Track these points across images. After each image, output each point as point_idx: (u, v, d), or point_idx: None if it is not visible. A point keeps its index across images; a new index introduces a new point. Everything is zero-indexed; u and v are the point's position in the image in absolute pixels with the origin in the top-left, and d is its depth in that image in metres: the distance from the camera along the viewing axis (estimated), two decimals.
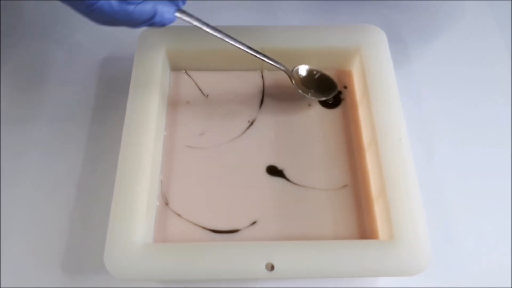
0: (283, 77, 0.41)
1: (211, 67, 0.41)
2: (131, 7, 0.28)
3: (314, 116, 0.39)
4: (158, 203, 0.35)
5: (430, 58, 0.46)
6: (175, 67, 0.41)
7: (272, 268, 0.29)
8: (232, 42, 0.34)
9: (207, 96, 0.40)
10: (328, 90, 0.39)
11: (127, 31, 0.46)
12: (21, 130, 0.41)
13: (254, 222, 0.34)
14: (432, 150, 0.41)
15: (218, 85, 0.41)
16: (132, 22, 0.29)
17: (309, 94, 0.39)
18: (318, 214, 0.34)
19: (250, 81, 0.41)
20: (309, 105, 0.40)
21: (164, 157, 0.37)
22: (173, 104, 0.40)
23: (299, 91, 0.38)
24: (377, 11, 0.50)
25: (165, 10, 0.30)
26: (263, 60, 0.37)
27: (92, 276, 0.35)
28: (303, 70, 0.40)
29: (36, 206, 0.37)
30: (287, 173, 0.36)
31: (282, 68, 0.38)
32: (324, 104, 0.40)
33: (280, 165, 0.37)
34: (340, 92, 0.40)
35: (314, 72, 0.40)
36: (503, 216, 0.38)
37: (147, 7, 0.28)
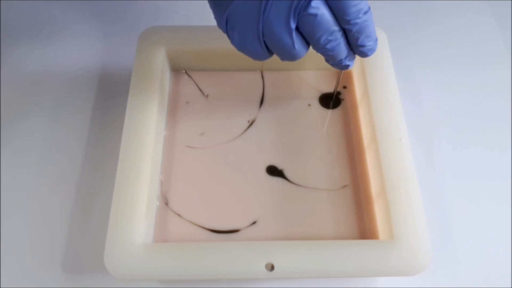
0: (283, 77, 0.41)
1: (211, 67, 0.41)
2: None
3: (314, 116, 0.39)
4: (158, 203, 0.35)
5: (430, 58, 0.46)
6: (175, 67, 0.41)
7: (272, 268, 0.29)
8: None
9: (207, 96, 0.40)
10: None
11: (127, 31, 0.47)
12: (21, 130, 0.41)
13: (254, 222, 0.34)
14: (432, 150, 0.41)
15: (218, 85, 0.41)
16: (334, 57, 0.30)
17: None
18: (318, 214, 0.34)
19: (250, 81, 0.41)
20: (309, 105, 0.40)
21: (164, 157, 0.37)
22: (173, 104, 0.40)
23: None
24: (377, 11, 0.50)
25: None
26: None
27: (92, 276, 0.35)
28: None
29: (36, 206, 0.37)
30: (287, 173, 0.36)
31: None
32: (324, 104, 0.40)
33: (280, 165, 0.37)
34: (339, 93, 0.40)
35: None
36: (503, 216, 0.38)
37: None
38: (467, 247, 0.36)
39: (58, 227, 0.36)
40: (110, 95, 0.43)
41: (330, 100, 0.40)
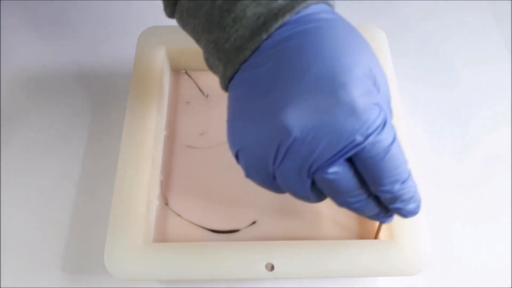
0: None
1: None
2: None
3: None
4: (158, 203, 0.35)
5: (430, 58, 0.46)
6: (175, 67, 0.41)
7: (272, 268, 0.29)
8: None
9: (207, 96, 0.40)
10: None
11: (127, 31, 0.47)
12: (21, 130, 0.41)
13: (254, 222, 0.34)
14: (432, 150, 0.41)
15: (218, 85, 0.40)
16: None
17: None
18: (318, 213, 0.34)
19: None
20: None
21: (164, 157, 0.37)
22: (173, 104, 0.40)
23: None
24: (377, 11, 0.50)
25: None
26: None
27: (92, 276, 0.35)
28: None
29: (36, 206, 0.37)
30: None
31: None
32: None
33: None
34: None
35: None
36: (503, 216, 0.38)
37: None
38: (467, 247, 0.36)
39: (58, 227, 0.36)
40: (110, 95, 0.43)
41: None
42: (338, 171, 0.22)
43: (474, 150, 0.41)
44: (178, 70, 0.41)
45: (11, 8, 0.49)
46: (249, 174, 0.25)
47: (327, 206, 0.35)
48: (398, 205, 0.24)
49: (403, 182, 0.22)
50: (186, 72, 0.41)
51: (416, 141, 0.40)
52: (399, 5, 0.50)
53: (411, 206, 0.24)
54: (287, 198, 0.35)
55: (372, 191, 0.23)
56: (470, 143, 0.41)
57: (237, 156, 0.25)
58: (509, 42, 0.48)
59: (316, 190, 0.24)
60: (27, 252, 0.35)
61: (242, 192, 0.35)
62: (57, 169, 0.39)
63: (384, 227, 0.32)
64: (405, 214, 0.24)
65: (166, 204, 0.35)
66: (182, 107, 0.40)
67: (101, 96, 0.43)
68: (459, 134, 0.42)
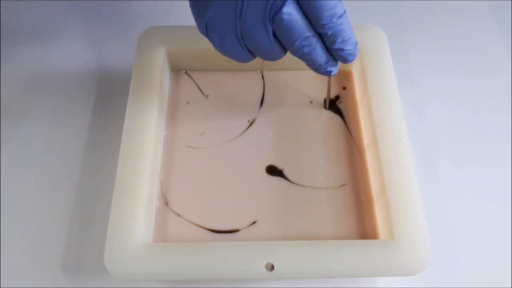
0: (284, 77, 0.41)
1: (211, 67, 0.41)
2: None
3: (314, 116, 0.39)
4: (158, 203, 0.35)
5: (430, 58, 0.46)
6: (175, 67, 0.41)
7: (272, 268, 0.29)
8: None
9: (207, 96, 0.40)
10: None
11: (127, 31, 0.47)
12: (21, 130, 0.41)
13: (254, 222, 0.34)
14: (432, 150, 0.41)
15: (218, 85, 0.41)
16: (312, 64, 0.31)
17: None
18: (318, 213, 0.34)
19: (250, 81, 0.41)
20: (311, 102, 0.40)
21: (164, 157, 0.37)
22: (173, 104, 0.40)
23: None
24: (377, 11, 0.50)
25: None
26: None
27: (92, 276, 0.35)
28: None
29: (36, 206, 0.37)
30: (286, 172, 0.36)
31: None
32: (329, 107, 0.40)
33: (279, 165, 0.37)
34: (338, 97, 0.40)
35: None
36: (503, 216, 0.38)
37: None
38: (467, 247, 0.36)
39: (58, 227, 0.36)
40: (110, 95, 0.43)
41: (334, 104, 0.40)
42: (290, 11, 0.27)
43: (474, 149, 0.41)
44: (178, 70, 0.41)
45: (11, 8, 0.49)
46: (219, 44, 0.30)
47: (327, 206, 0.35)
48: (339, 45, 0.29)
49: (340, 17, 0.28)
50: (186, 72, 0.41)
51: (416, 140, 0.40)
52: (399, 5, 0.50)
53: (349, 48, 0.29)
54: (287, 198, 0.35)
55: (317, 30, 0.28)
56: (471, 141, 0.41)
57: (206, 29, 0.29)
58: (509, 43, 0.48)
59: (278, 41, 0.29)
60: (27, 252, 0.35)
61: (242, 192, 0.35)
62: (57, 169, 0.39)
63: (384, 226, 0.32)
64: (345, 56, 0.30)
65: (166, 204, 0.35)
66: (182, 107, 0.40)
67: (101, 96, 0.43)
68: (459, 134, 0.42)
